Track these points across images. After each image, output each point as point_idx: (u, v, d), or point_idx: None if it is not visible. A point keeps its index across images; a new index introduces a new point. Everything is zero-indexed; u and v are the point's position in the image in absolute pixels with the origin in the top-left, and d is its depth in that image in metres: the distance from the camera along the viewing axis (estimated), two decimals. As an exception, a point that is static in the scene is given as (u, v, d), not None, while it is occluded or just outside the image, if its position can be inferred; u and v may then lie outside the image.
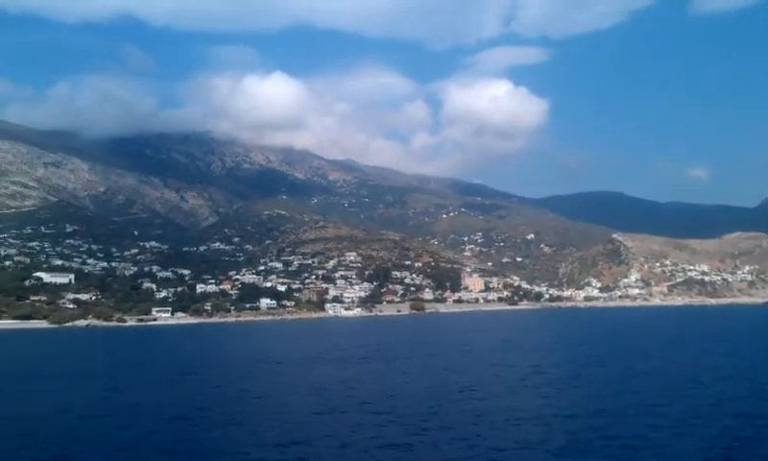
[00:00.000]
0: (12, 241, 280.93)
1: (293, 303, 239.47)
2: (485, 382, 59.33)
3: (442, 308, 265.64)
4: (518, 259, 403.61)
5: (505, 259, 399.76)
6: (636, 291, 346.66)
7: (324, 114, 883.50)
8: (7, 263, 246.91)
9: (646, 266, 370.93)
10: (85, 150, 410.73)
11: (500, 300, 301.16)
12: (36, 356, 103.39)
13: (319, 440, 37.35)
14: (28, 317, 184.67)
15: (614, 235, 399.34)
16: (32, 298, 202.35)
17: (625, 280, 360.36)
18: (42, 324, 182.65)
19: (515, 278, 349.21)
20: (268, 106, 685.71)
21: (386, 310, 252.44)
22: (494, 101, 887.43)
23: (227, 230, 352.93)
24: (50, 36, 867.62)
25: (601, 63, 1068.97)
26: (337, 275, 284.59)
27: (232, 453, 35.07)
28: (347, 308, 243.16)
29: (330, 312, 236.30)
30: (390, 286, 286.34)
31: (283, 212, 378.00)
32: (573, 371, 68.43)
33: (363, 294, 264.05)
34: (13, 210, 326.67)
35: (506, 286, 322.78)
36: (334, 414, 45.54)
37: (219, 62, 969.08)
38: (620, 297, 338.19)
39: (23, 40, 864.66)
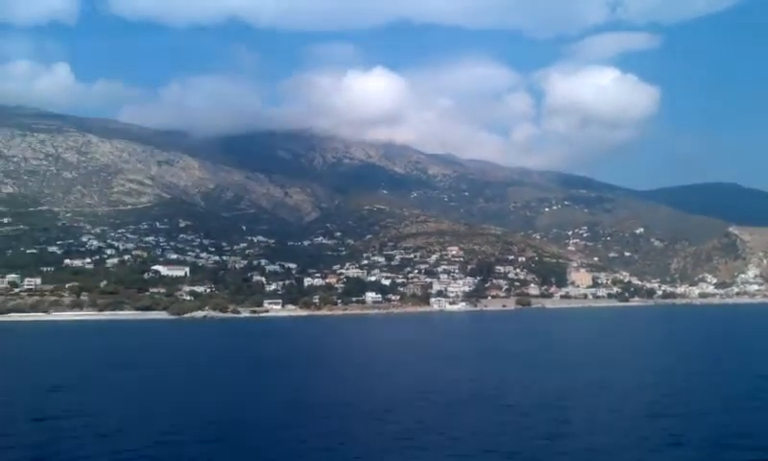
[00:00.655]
0: (129, 236, 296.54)
1: (397, 297, 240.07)
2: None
3: (548, 304, 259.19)
4: (626, 254, 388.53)
5: (612, 254, 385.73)
6: (755, 287, 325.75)
7: (425, 108, 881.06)
8: (126, 257, 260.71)
9: (765, 261, 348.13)
10: (196, 148, 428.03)
11: (610, 296, 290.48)
12: (227, 344, 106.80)
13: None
14: (148, 308, 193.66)
15: (731, 229, 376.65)
16: (151, 290, 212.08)
17: (743, 276, 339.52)
18: (162, 315, 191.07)
19: (624, 273, 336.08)
20: (368, 101, 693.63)
21: (491, 305, 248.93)
22: (600, 89, 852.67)
23: (329, 225, 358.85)
24: (162, 40, 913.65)
25: (715, 48, 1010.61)
26: (439, 269, 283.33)
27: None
28: (451, 303, 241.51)
29: (435, 306, 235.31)
30: (493, 281, 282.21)
31: (383, 207, 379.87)
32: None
33: (467, 288, 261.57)
34: (130, 207, 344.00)
35: (615, 282, 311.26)
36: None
37: (321, 60, 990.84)
38: (737, 293, 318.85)
39: (138, 45, 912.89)
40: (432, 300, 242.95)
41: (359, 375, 64.25)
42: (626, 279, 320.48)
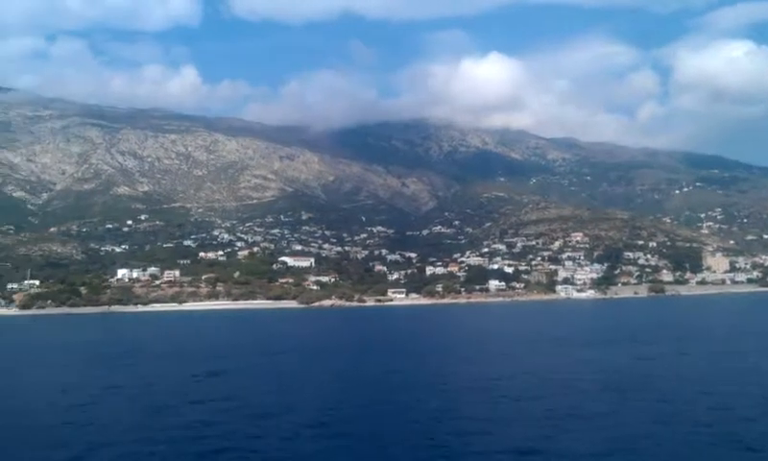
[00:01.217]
0: (256, 229, 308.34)
1: (522, 284, 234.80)
2: None
3: (683, 290, 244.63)
4: (766, 237, 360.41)
5: (750, 237, 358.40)
6: None
7: (542, 92, 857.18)
8: (255, 249, 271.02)
9: None
10: (315, 142, 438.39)
11: (749, 281, 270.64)
12: (365, 331, 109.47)
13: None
14: (279, 298, 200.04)
15: None
16: (280, 280, 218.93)
17: None
18: (292, 304, 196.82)
19: (763, 256, 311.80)
20: (484, 88, 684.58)
21: (621, 293, 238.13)
22: (733, 63, 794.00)
23: (447, 214, 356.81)
24: (280, 39, 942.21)
25: None
26: (564, 256, 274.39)
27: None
28: (579, 290, 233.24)
29: (562, 294, 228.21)
30: (623, 268, 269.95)
31: (501, 194, 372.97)
32: None
33: (594, 275, 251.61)
34: (256, 201, 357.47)
35: (755, 266, 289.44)
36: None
37: (435, 49, 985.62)
38: None
39: (258, 45, 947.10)
40: (558, 287, 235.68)
41: (502, 360, 62.37)
42: (766, 263, 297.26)
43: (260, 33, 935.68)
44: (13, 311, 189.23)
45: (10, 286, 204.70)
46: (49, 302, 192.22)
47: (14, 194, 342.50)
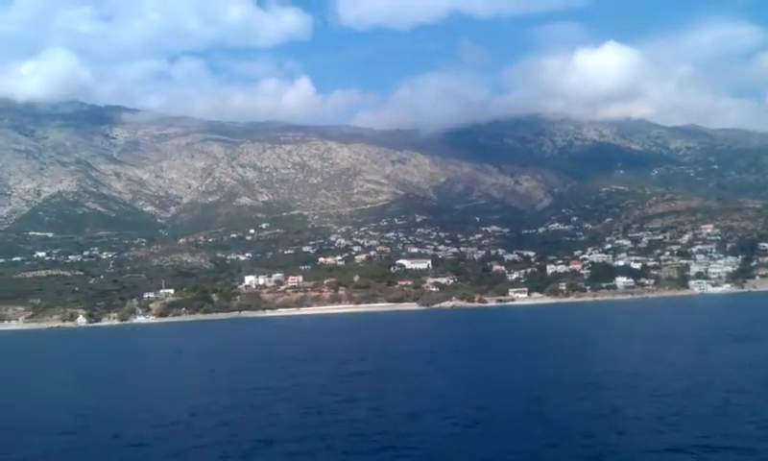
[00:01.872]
0: (372, 233, 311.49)
1: (651, 280, 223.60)
2: None
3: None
4: None
5: None
6: None
7: (662, 79, 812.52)
8: (372, 253, 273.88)
9: None
10: (425, 144, 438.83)
11: None
12: (504, 330, 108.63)
13: None
14: (399, 300, 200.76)
15: None
16: (399, 283, 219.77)
17: None
18: (412, 306, 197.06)
19: None
20: (600, 78, 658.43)
21: (760, 286, 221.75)
22: None
23: (564, 211, 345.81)
24: (389, 45, 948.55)
25: None
26: (694, 249, 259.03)
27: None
28: (714, 285, 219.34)
29: (696, 289, 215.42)
30: (759, 259, 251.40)
31: (622, 187, 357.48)
32: None
33: (729, 269, 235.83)
34: (369, 206, 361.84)
35: None
36: None
37: (547, 43, 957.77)
38: None
39: (367, 52, 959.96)
40: (691, 282, 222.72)
41: (653, 359, 58.64)
42: None
43: (369, 40, 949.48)
44: (151, 319, 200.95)
45: (146, 296, 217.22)
46: (183, 309, 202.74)
47: (145, 208, 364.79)
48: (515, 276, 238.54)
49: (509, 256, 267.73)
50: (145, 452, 32.21)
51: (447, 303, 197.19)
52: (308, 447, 31.56)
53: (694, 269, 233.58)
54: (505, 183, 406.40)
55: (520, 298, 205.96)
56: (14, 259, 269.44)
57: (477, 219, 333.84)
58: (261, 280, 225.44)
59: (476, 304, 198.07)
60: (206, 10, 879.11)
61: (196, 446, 33.07)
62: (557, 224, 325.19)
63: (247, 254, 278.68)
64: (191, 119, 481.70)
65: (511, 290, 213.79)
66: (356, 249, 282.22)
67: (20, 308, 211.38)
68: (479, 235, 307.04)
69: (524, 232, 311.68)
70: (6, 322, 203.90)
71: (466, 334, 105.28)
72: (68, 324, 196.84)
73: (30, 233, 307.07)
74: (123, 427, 37.63)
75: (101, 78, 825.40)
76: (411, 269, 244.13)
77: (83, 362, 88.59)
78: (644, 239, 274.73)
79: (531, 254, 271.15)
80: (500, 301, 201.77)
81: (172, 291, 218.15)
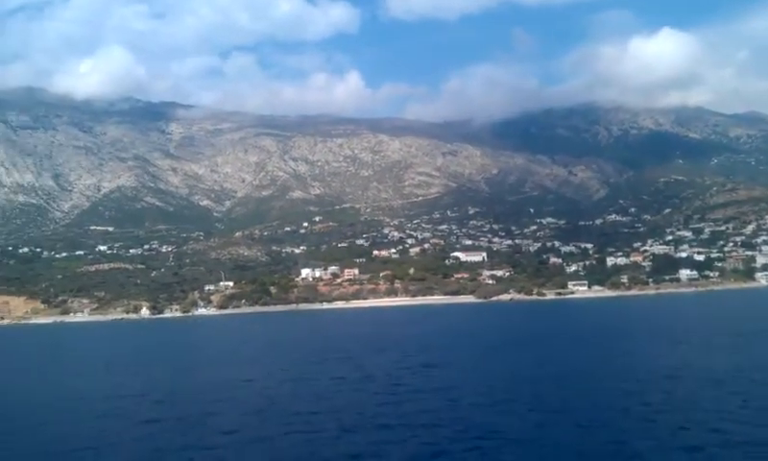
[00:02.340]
0: (424, 226, 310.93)
1: (716, 273, 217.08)
2: None
3: None
4: None
5: None
6: None
7: (721, 66, 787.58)
8: (426, 246, 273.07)
9: None
10: (477, 136, 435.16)
11: None
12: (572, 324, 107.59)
13: None
14: (456, 293, 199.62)
15: None
16: (455, 275, 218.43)
17: None
18: (469, 298, 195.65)
19: None
20: (656, 66, 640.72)
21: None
22: None
23: (621, 202, 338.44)
24: (438, 36, 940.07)
25: None
26: (759, 240, 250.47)
27: None
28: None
29: (763, 281, 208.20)
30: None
31: (680, 177, 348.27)
32: None
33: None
34: (421, 198, 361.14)
35: None
36: None
37: (600, 30, 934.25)
38: None
39: (416, 44, 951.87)
40: (757, 274, 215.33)
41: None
42: None
43: (417, 32, 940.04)
44: (212, 311, 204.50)
45: (206, 288, 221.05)
46: (243, 301, 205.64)
47: (201, 203, 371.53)
48: (573, 268, 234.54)
49: (566, 249, 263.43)
50: (236, 438, 32.31)
51: (505, 296, 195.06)
52: (394, 436, 31.64)
53: (760, 261, 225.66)
54: (559, 174, 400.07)
55: (580, 291, 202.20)
56: (77, 253, 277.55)
57: (531, 211, 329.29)
58: (317, 273, 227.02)
59: (535, 297, 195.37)
60: (256, 4, 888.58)
61: (285, 432, 33.29)
62: (614, 215, 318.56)
63: (301, 248, 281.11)
64: (243, 114, 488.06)
65: (570, 283, 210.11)
66: (410, 241, 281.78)
67: (85, 301, 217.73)
68: (534, 227, 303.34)
69: (580, 224, 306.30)
70: (72, 314, 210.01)
71: (532, 327, 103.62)
72: (132, 316, 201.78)
73: (91, 228, 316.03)
74: (214, 415, 37.84)
75: (155, 74, 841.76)
76: (466, 261, 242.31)
77: (161, 352, 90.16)
78: (706, 230, 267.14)
79: (588, 246, 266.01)
80: (559, 294, 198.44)
81: (231, 284, 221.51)
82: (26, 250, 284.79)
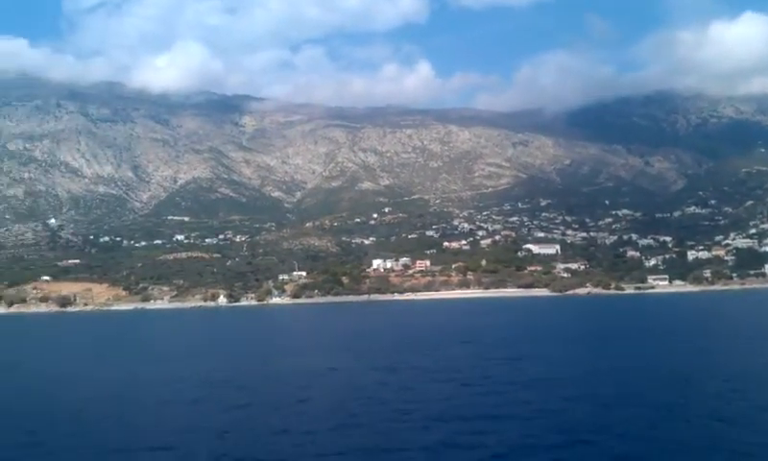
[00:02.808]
0: (495, 217, 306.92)
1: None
2: None
3: None
4: None
5: None
6: None
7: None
8: (497, 238, 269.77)
9: None
10: (548, 126, 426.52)
11: None
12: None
13: None
14: (530, 286, 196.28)
15: None
16: (528, 268, 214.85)
17: None
18: (543, 292, 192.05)
19: None
20: (738, 51, 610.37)
21: None
22: None
23: (700, 193, 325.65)
24: (509, 24, 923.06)
25: None
26: None
27: None
28: None
29: None
30: None
31: (763, 168, 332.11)
32: None
33: None
34: (491, 189, 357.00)
35: None
36: None
37: (679, 15, 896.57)
38: None
39: (486, 32, 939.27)
40: None
41: None
42: None
43: (487, 19, 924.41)
44: (286, 300, 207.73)
45: (280, 277, 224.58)
46: (315, 291, 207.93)
47: (273, 194, 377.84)
48: (652, 262, 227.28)
49: (643, 242, 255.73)
50: (331, 424, 32.11)
51: (582, 290, 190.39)
52: (490, 426, 30.84)
53: None
54: (634, 165, 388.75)
55: (661, 285, 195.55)
56: (155, 242, 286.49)
57: (606, 202, 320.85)
58: (389, 264, 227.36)
59: (613, 292, 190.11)
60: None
61: (379, 420, 32.79)
62: (693, 207, 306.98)
63: (371, 238, 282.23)
64: (314, 106, 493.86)
65: (649, 277, 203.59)
66: (480, 233, 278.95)
67: (165, 288, 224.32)
68: (609, 219, 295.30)
69: (657, 216, 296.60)
70: (152, 301, 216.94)
71: (617, 321, 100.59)
72: (210, 303, 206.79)
73: (168, 218, 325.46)
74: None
75: (230, 68, 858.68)
76: (539, 254, 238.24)
77: (243, 339, 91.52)
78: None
79: (667, 239, 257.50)
80: (638, 288, 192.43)
81: (304, 273, 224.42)
82: (107, 239, 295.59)
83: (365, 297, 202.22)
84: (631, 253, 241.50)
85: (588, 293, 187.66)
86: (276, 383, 47.01)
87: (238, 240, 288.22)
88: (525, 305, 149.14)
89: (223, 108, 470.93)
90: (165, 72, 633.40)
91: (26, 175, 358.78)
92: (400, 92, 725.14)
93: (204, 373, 53.32)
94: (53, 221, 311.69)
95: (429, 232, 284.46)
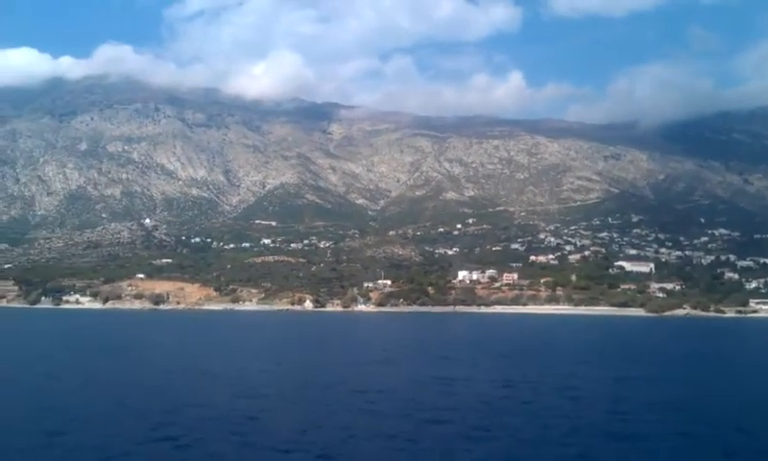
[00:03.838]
0: (583, 232, 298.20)
1: None
2: None
3: None
4: None
5: None
6: None
7: None
8: (585, 253, 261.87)
9: None
10: (642, 140, 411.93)
11: None
12: None
13: None
14: (624, 305, 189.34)
15: None
16: (621, 286, 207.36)
17: None
18: (638, 312, 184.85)
19: None
20: None
21: None
22: None
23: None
24: (604, 34, 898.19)
25: None
26: None
27: None
28: None
29: None
30: None
31: None
32: None
33: None
34: (579, 203, 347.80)
35: None
36: None
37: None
38: None
39: (581, 43, 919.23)
40: None
41: None
42: None
43: (582, 30, 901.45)
44: (371, 308, 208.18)
45: (365, 285, 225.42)
46: (401, 300, 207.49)
47: (357, 201, 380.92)
48: (753, 285, 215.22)
49: (742, 263, 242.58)
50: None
51: (680, 311, 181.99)
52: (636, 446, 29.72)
53: None
54: (733, 182, 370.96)
55: (765, 310, 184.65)
56: (243, 245, 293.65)
57: (702, 221, 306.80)
58: (474, 276, 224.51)
59: (712, 314, 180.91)
60: (418, 6, 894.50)
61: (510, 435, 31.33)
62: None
63: (454, 249, 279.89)
64: (402, 115, 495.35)
65: (751, 300, 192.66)
66: (568, 248, 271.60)
67: (254, 290, 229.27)
68: (705, 239, 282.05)
69: (756, 237, 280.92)
70: (241, 302, 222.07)
71: (731, 345, 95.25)
72: (296, 307, 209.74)
73: (256, 222, 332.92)
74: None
75: (320, 76, 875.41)
76: (631, 272, 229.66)
77: (350, 344, 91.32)
78: None
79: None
80: (740, 312, 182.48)
81: (389, 282, 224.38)
82: (197, 240, 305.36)
83: (450, 308, 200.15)
84: (729, 274, 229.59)
85: (687, 315, 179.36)
86: (406, 391, 45.77)
87: (322, 246, 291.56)
88: (624, 325, 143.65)
89: (312, 115, 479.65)
90: (260, 79, 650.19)
91: (123, 176, 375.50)
92: (490, 102, 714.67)
93: (331, 377, 52.75)
94: (148, 221, 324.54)
95: (514, 245, 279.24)
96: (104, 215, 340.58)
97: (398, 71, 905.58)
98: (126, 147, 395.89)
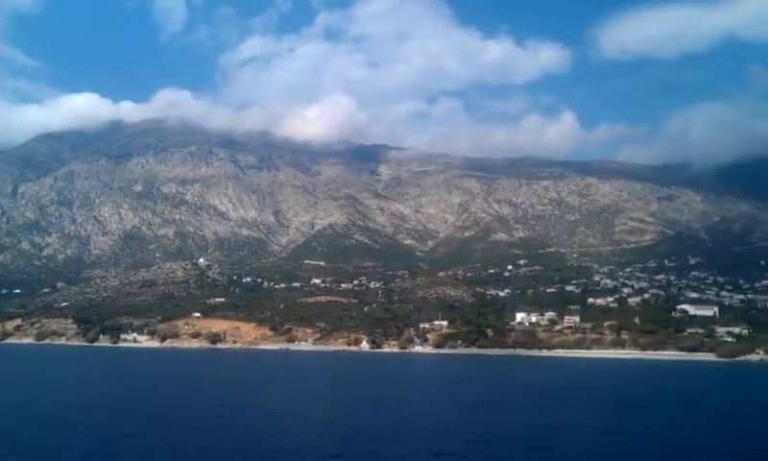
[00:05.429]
0: (638, 275, 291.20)
1: None
2: None
3: None
4: None
5: None
6: None
7: None
8: (645, 296, 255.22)
9: None
10: (697, 181, 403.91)
11: None
12: None
13: None
14: (693, 349, 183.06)
15: None
16: (688, 330, 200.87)
17: None
18: (708, 357, 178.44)
19: None
20: None
21: None
22: None
23: None
24: (657, 76, 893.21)
25: None
26: None
27: None
28: None
29: None
30: None
31: None
32: None
33: None
34: (633, 245, 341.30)
35: None
36: None
37: None
38: None
39: (633, 84, 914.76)
40: None
41: None
42: None
43: (634, 71, 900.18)
44: (429, 349, 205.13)
45: (422, 326, 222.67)
46: (459, 342, 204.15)
47: (405, 242, 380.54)
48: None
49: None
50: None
51: (753, 356, 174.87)
52: None
53: None
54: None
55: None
56: (294, 285, 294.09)
57: (762, 263, 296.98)
58: (533, 318, 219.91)
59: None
60: (466, 51, 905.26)
61: None
62: None
63: (506, 290, 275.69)
64: (450, 156, 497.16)
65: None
66: (626, 290, 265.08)
67: (308, 330, 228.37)
68: (766, 282, 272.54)
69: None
70: (296, 342, 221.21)
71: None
72: (352, 348, 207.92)
73: (305, 262, 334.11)
74: None
75: (371, 119, 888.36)
76: (695, 316, 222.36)
77: (428, 388, 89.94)
78: None
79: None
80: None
81: (446, 323, 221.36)
82: (248, 279, 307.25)
83: (510, 350, 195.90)
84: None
85: (761, 360, 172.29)
86: (510, 437, 44.20)
87: (372, 286, 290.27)
88: (703, 371, 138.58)
89: (361, 156, 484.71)
90: (313, 122, 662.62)
91: (177, 216, 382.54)
92: (541, 144, 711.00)
93: (418, 422, 51.44)
94: (202, 260, 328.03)
95: (569, 287, 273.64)
96: (157, 255, 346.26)
97: (447, 113, 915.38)
98: (179, 188, 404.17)
